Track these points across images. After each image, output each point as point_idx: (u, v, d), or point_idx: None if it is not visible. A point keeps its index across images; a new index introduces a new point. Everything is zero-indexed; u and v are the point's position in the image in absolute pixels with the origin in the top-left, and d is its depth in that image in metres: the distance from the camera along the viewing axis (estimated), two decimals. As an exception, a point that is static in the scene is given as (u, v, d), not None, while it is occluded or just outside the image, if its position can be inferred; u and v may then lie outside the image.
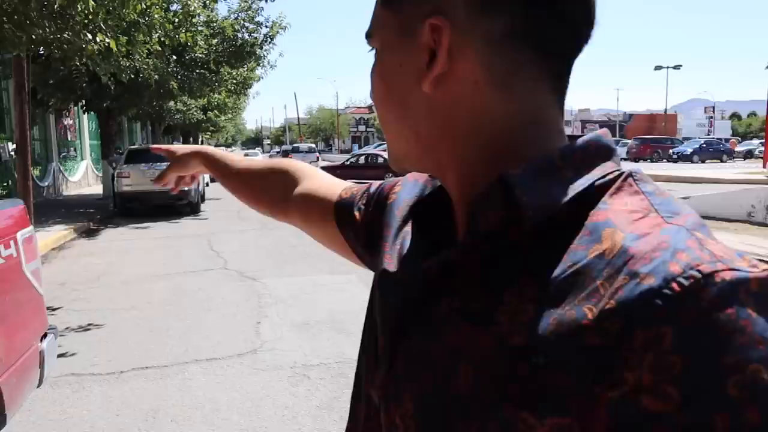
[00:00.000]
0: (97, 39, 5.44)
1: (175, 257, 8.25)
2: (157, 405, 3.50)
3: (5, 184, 13.34)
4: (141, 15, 6.12)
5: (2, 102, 14.36)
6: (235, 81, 17.56)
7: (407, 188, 0.70)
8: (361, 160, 24.12)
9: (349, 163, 24.23)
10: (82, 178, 20.90)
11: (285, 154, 42.27)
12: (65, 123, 19.15)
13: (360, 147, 67.11)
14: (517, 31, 0.48)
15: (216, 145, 46.51)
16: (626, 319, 0.38)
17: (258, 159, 1.13)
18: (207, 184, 18.76)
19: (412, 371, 0.51)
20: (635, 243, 0.41)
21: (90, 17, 5.44)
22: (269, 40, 15.33)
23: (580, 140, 0.50)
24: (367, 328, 0.64)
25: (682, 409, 0.36)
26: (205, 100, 22.28)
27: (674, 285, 0.38)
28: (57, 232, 9.69)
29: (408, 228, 0.64)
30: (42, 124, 16.85)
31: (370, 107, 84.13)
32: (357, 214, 0.78)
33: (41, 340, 2.51)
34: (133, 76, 9.38)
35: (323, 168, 17.42)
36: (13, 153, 11.43)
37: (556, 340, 0.41)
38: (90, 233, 10.80)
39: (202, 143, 47.10)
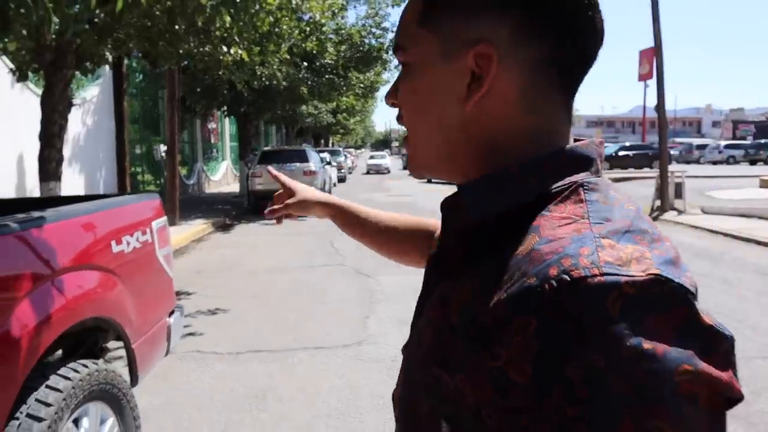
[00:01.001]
0: (231, 51, 6.02)
1: (298, 252, 8.81)
2: (267, 385, 3.84)
3: (158, 181, 14.92)
4: (272, 27, 6.64)
5: (158, 109, 16.05)
6: (362, 85, 18.23)
7: None
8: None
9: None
10: (222, 177, 22.73)
11: (410, 156, 43.29)
12: (209, 127, 20.97)
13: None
14: (550, 58, 0.55)
15: (346, 147, 48.25)
16: (509, 308, 0.47)
17: (397, 215, 1.09)
18: (334, 185, 19.67)
19: (411, 341, 0.65)
20: (540, 247, 0.49)
21: (227, 32, 6.01)
22: (395, 44, 15.79)
23: (553, 151, 0.56)
24: None
25: (530, 382, 0.44)
26: (335, 103, 23.28)
27: (546, 285, 0.45)
28: (197, 226, 10.70)
29: None
30: (190, 128, 18.58)
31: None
32: None
33: (169, 317, 2.90)
34: (267, 83, 10.12)
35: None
36: (164, 154, 12.77)
37: (469, 318, 0.51)
38: (225, 228, 11.78)
39: (332, 145, 49.14)
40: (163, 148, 13.91)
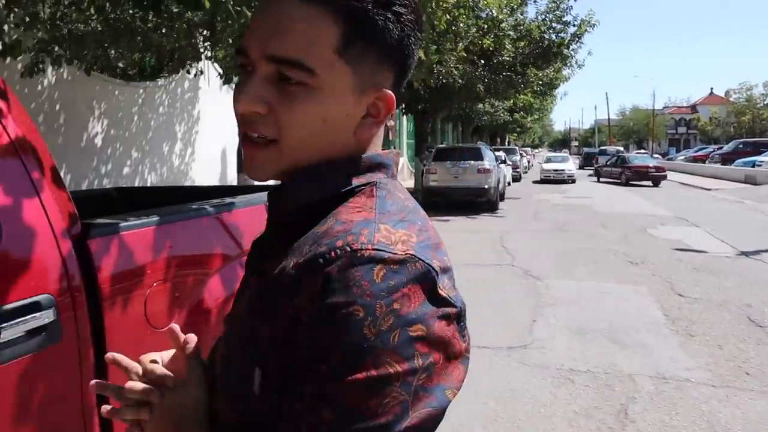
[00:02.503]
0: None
1: (468, 250, 8.81)
2: (429, 378, 3.90)
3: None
4: (449, 25, 6.70)
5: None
6: (541, 82, 17.64)
7: None
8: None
9: None
10: (399, 173, 23.47)
11: (588, 156, 40.34)
12: (388, 124, 21.77)
13: (678, 150, 60.51)
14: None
15: (522, 146, 47.14)
16: (304, 268, 0.61)
17: None
18: (508, 183, 19.34)
19: (232, 314, 0.76)
20: (335, 226, 0.63)
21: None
22: (577, 39, 14.99)
23: (354, 156, 0.70)
24: None
25: (310, 323, 0.58)
26: (512, 101, 22.85)
27: (332, 253, 0.59)
28: (373, 219, 11.19)
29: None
30: (370, 125, 19.44)
31: (693, 107, 75.05)
32: None
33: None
34: (444, 81, 10.23)
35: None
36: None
37: (277, 277, 0.64)
38: (399, 222, 12.17)
39: (508, 144, 48.32)
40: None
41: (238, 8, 3.39)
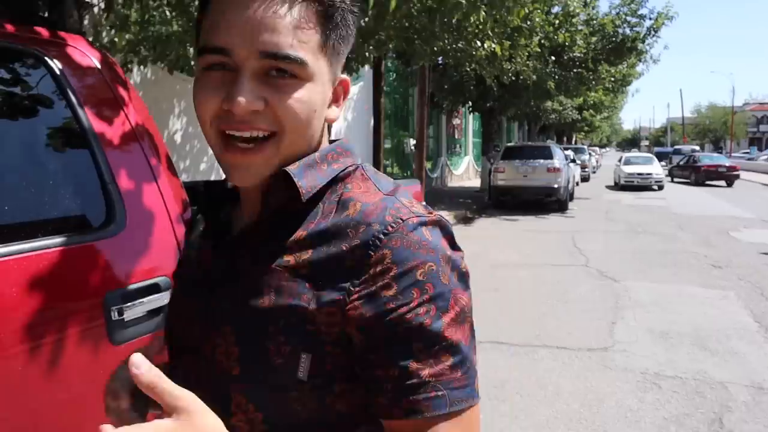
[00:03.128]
0: (485, 45, 6.10)
1: (538, 249, 8.63)
2: (506, 377, 3.83)
3: (405, 174, 15.89)
4: (524, 20, 6.57)
5: (408, 106, 17.07)
6: (613, 79, 17.07)
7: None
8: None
9: None
10: (464, 171, 23.29)
11: (660, 156, 38.53)
12: (454, 123, 21.64)
13: (760, 149, 57.18)
14: None
15: (590, 146, 45.78)
16: (365, 248, 0.65)
17: None
18: (577, 183, 18.82)
19: (227, 308, 0.71)
20: (367, 207, 0.68)
21: (480, 27, 6.11)
22: (653, 33, 14.37)
23: (331, 144, 0.77)
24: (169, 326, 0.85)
25: (397, 294, 0.63)
26: (581, 99, 22.21)
27: (388, 227, 0.66)
28: (440, 218, 11.13)
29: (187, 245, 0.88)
30: (436, 123, 19.40)
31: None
32: None
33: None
34: (513, 77, 10.06)
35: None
36: (413, 148, 13.54)
37: (325, 267, 0.67)
38: (467, 221, 12.06)
39: (575, 143, 47.03)
40: (412, 142, 14.77)
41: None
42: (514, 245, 9.05)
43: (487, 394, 3.57)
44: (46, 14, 3.78)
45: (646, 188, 20.85)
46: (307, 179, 0.71)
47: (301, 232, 0.70)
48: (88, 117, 1.40)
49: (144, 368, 0.54)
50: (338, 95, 0.76)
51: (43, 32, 1.50)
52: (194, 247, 0.84)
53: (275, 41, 0.65)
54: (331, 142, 0.78)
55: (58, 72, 1.38)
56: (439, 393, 0.63)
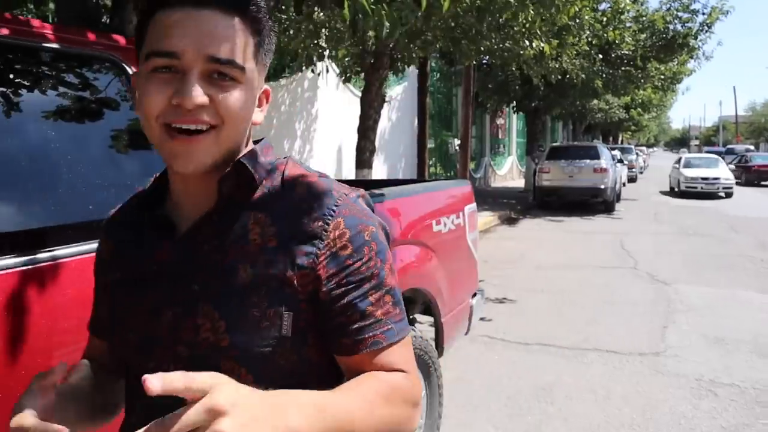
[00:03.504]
0: (533, 44, 6.03)
1: (585, 251, 8.48)
2: (555, 380, 3.79)
3: (448, 174, 15.84)
4: (572, 18, 6.47)
5: (451, 106, 17.00)
6: (663, 76, 16.60)
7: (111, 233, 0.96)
8: None
9: None
10: (508, 172, 23.04)
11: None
12: (497, 123, 21.43)
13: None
14: None
15: (637, 146, 44.63)
16: (323, 217, 0.81)
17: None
18: (624, 184, 18.38)
19: (201, 290, 0.80)
20: (313, 186, 0.84)
21: (527, 26, 6.05)
22: (706, 28, 13.91)
23: (261, 141, 0.90)
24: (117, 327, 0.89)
25: (353, 252, 0.80)
26: (629, 98, 21.69)
27: (338, 200, 0.82)
28: (484, 218, 11.06)
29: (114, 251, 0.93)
30: (479, 123, 19.25)
31: (840, 100, 66.60)
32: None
33: (472, 298, 3.06)
34: (561, 77, 9.91)
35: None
36: (457, 148, 13.47)
37: (292, 237, 0.80)
38: (510, 221, 11.94)
39: (621, 142, 45.92)
40: (456, 142, 14.70)
41: (373, 6, 3.45)
42: (559, 247, 8.92)
43: (536, 396, 3.55)
44: (107, 20, 3.93)
45: (712, 196, 17.57)
46: (256, 167, 0.84)
47: (259, 213, 0.82)
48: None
49: (157, 381, 0.57)
50: (261, 101, 0.88)
51: (120, 39, 1.57)
52: (132, 247, 0.89)
53: (223, 48, 0.76)
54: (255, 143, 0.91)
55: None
56: (390, 327, 0.81)
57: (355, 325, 0.79)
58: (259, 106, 0.88)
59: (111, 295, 0.90)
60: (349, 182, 3.63)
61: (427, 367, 2.57)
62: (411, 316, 2.81)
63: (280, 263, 0.79)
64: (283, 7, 5.51)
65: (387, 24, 3.78)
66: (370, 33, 5.64)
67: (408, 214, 2.36)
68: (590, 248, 8.75)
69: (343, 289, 0.79)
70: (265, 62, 0.85)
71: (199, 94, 0.75)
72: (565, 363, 4.09)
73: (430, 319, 2.77)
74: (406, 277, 2.30)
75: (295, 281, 0.79)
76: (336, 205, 0.81)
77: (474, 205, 3.00)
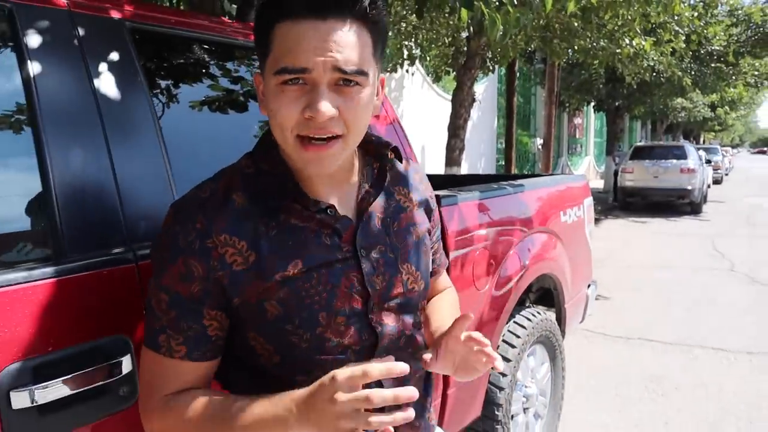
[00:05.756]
0: (634, 42, 6.01)
1: (675, 252, 8.31)
2: (662, 373, 3.84)
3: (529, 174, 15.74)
4: (671, 15, 6.39)
5: (530, 105, 16.86)
6: (756, 73, 15.84)
7: (228, 223, 0.88)
8: None
9: None
10: (585, 172, 22.57)
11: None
12: (575, 122, 21.05)
13: None
14: None
15: (722, 146, 42.55)
16: (429, 188, 1.14)
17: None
18: (708, 186, 17.65)
19: (395, 255, 0.97)
20: (413, 164, 1.12)
21: (625, 23, 6.03)
22: (809, 21, 13.20)
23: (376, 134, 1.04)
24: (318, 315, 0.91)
25: (439, 208, 1.26)
26: (717, 95, 20.78)
27: (424, 174, 1.16)
28: (566, 217, 10.98)
29: (262, 234, 0.89)
30: (557, 123, 18.96)
31: None
32: None
33: (587, 288, 3.18)
34: (655, 74, 9.65)
35: None
36: (540, 147, 13.39)
37: (421, 201, 1.08)
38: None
39: (704, 143, 43.87)
40: (539, 141, 14.60)
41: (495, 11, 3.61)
42: (646, 247, 8.77)
43: (645, 388, 3.61)
44: (234, 13, 4.24)
45: None
46: (394, 162, 1.06)
47: (399, 186, 1.03)
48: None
49: (499, 363, 0.93)
50: (378, 90, 0.92)
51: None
52: (294, 236, 0.89)
53: (345, 58, 0.80)
54: None
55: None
56: (444, 258, 1.23)
57: (440, 255, 1.21)
58: (377, 95, 0.92)
59: (281, 292, 0.87)
60: (486, 178, 3.80)
61: (553, 350, 2.72)
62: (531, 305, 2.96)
63: (424, 220, 1.06)
64: (405, 12, 5.72)
65: (500, 27, 3.94)
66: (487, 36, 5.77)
67: (543, 205, 2.52)
68: (680, 249, 8.56)
69: (437, 233, 1.15)
70: (383, 53, 0.90)
71: (329, 109, 0.80)
72: (670, 357, 4.12)
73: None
74: (540, 263, 2.45)
75: (429, 231, 1.08)
76: (426, 176, 1.13)
77: (591, 198, 3.12)
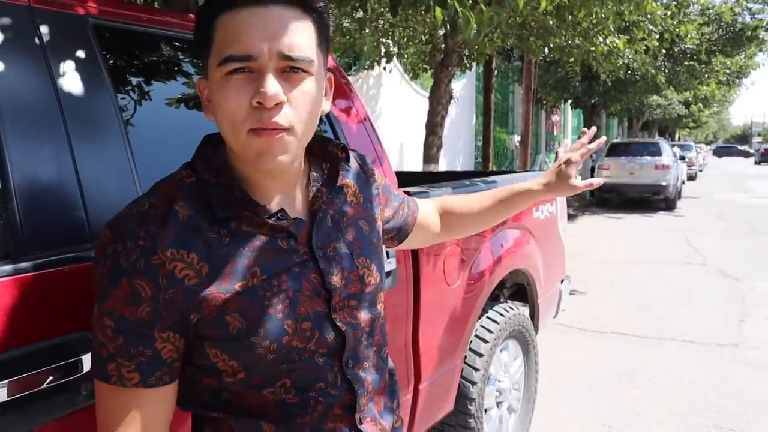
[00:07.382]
0: (608, 41, 6.09)
1: (649, 247, 8.45)
2: (635, 365, 3.91)
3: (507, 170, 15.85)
4: (645, 13, 6.49)
5: (508, 102, 16.98)
6: (728, 71, 16.15)
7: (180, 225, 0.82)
8: None
9: None
10: (562, 170, 22.74)
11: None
12: (553, 119, 21.24)
13: None
14: None
15: (696, 143, 43.31)
16: (374, 174, 1.09)
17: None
18: (683, 182, 17.97)
19: (349, 253, 0.95)
20: (359, 156, 1.09)
21: (599, 22, 6.11)
22: (779, 20, 13.49)
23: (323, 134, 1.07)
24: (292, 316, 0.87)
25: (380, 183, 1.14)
26: (690, 93, 21.13)
27: (366, 158, 1.12)
28: (543, 214, 11.09)
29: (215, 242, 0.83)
30: (535, 120, 19.12)
31: None
32: None
33: (561, 283, 3.22)
34: (629, 72, 9.79)
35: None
36: (517, 144, 13.50)
37: (374, 196, 1.06)
38: (569, 218, 11.89)
39: (679, 140, 44.59)
40: (516, 138, 14.71)
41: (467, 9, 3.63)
42: (623, 243, 8.91)
43: (619, 381, 3.67)
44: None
45: None
46: (352, 163, 1.06)
47: (348, 181, 1.00)
48: (333, 111, 1.70)
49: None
50: (327, 90, 0.91)
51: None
52: (246, 244, 0.85)
53: (290, 44, 0.79)
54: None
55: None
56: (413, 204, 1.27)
57: (407, 209, 1.24)
58: (326, 94, 0.91)
59: (241, 303, 0.82)
60: (462, 174, 3.81)
61: (526, 344, 2.75)
62: (504, 300, 3.00)
63: (374, 211, 1.04)
64: (375, 8, 5.71)
65: (474, 25, 3.96)
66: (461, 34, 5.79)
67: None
68: (655, 244, 8.70)
69: (394, 200, 1.20)
70: (327, 48, 0.88)
71: (277, 90, 0.78)
72: (643, 351, 4.19)
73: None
74: (512, 258, 2.48)
75: (377, 216, 1.06)
76: (371, 161, 1.11)
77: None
